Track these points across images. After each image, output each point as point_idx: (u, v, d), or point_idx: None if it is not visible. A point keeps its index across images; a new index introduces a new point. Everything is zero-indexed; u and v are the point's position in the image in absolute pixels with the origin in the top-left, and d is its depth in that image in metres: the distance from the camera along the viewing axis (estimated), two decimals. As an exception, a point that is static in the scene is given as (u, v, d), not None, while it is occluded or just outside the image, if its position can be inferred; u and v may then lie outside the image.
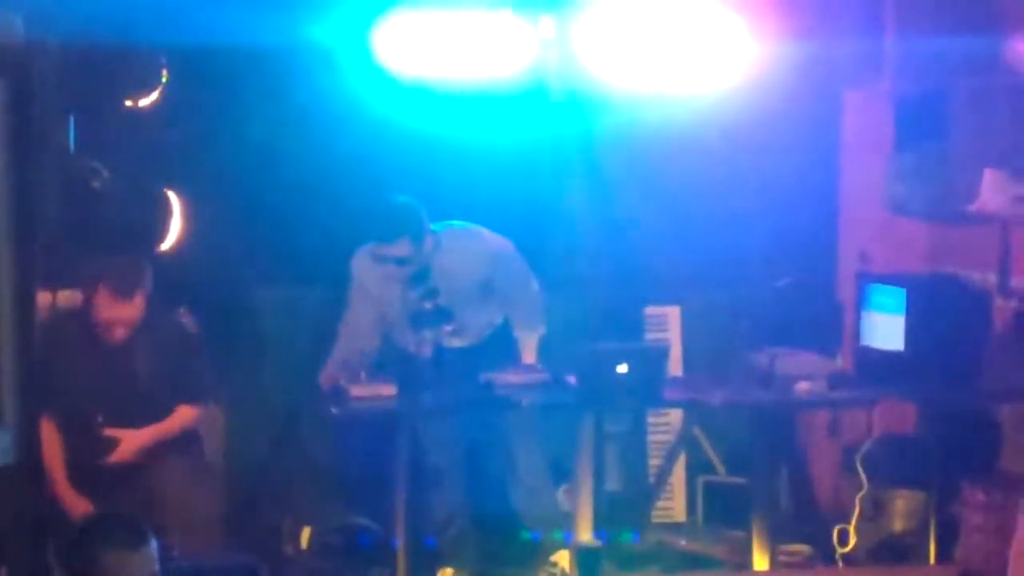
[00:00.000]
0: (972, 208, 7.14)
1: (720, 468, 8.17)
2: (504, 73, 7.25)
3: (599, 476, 7.28)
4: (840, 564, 7.36)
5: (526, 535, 7.37)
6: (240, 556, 6.33)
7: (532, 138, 7.56)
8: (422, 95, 7.25)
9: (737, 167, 8.03)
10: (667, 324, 8.22)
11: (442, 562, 7.24)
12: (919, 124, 7.60)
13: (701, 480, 8.19)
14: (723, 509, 8.01)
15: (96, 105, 6.97)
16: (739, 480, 7.88)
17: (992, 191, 7.08)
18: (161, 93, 6.98)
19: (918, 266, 7.76)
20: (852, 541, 7.34)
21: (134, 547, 4.57)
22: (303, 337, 7.76)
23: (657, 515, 8.08)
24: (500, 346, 7.34)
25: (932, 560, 7.12)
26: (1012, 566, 5.92)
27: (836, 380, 7.21)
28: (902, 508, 7.31)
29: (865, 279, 7.59)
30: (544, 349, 7.33)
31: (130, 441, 6.58)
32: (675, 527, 8.09)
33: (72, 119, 6.84)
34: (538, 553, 7.32)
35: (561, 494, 7.49)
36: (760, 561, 7.13)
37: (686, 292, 8.21)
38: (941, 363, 7.10)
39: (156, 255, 6.88)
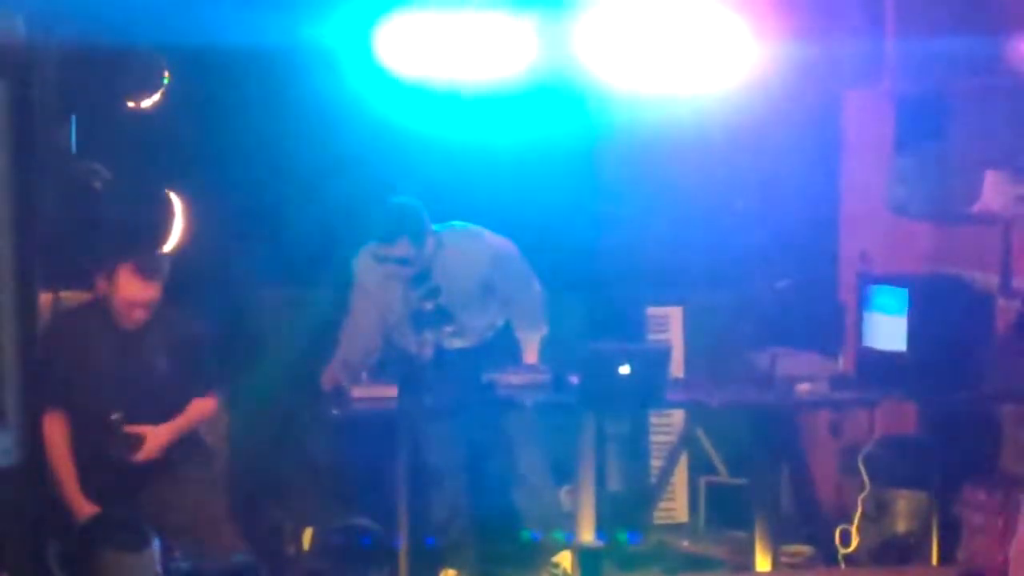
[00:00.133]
0: (974, 209, 7.14)
1: (722, 469, 8.16)
2: (505, 73, 7.25)
3: (601, 477, 7.29)
4: (842, 565, 7.35)
5: (527, 536, 7.35)
6: (241, 557, 6.33)
7: (533, 138, 7.56)
8: (423, 95, 7.25)
9: (738, 167, 8.03)
10: (669, 325, 8.21)
11: (443, 563, 7.23)
12: (920, 124, 7.60)
13: (703, 481, 8.19)
14: (725, 510, 8.00)
15: (96, 106, 6.97)
16: (741, 481, 7.87)
17: (994, 191, 7.07)
18: (162, 94, 6.98)
19: (920, 267, 7.75)
20: (854, 542, 7.33)
21: (136, 549, 4.56)
22: (303, 337, 7.75)
23: (659, 516, 8.10)
24: (501, 347, 7.33)
25: (934, 561, 7.12)
26: (1013, 566, 5.90)
27: (838, 381, 7.22)
28: (904, 509, 7.30)
29: (866, 280, 7.58)
30: (546, 350, 7.32)
31: (155, 438, 6.46)
32: (677, 528, 8.09)
33: (73, 119, 6.84)
34: (539, 554, 7.31)
35: (563, 495, 7.47)
36: (762, 562, 7.12)
37: (688, 293, 8.21)
38: (943, 364, 7.08)
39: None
